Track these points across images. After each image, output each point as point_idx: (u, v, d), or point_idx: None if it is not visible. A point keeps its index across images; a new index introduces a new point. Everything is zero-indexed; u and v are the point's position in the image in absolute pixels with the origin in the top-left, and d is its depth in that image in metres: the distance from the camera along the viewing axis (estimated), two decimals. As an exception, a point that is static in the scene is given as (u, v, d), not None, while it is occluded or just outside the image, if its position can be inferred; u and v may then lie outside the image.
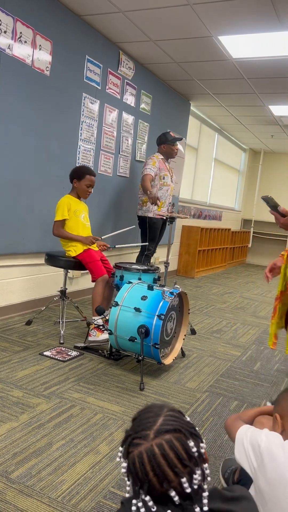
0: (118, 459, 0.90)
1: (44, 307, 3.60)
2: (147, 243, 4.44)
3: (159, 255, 6.15)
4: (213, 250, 7.95)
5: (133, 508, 0.83)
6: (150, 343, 2.63)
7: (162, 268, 6.00)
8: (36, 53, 3.42)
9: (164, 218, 4.53)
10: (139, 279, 3.00)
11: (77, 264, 3.32)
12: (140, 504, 0.83)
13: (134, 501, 0.84)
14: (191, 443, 0.85)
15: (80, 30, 3.87)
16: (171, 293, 2.73)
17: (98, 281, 3.20)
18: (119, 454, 0.90)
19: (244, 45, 4.06)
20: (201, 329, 3.98)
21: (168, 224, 3.61)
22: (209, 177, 8.07)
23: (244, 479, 1.26)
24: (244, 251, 10.19)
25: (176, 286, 2.86)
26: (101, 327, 3.07)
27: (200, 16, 3.56)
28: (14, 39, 3.20)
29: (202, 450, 0.87)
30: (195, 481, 0.83)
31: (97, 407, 2.25)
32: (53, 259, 3.32)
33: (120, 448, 0.90)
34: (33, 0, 3.31)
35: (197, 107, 6.67)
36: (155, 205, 4.11)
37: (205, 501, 0.84)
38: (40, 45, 3.45)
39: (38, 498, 1.54)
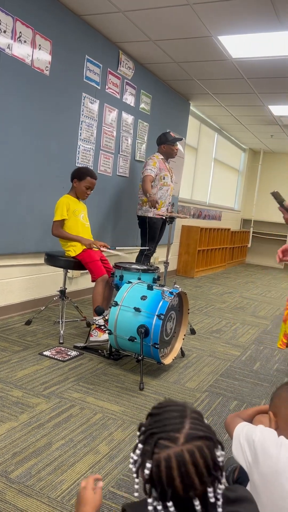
0: (132, 454, 0.86)
1: (44, 307, 3.60)
2: (147, 247, 4.44)
3: (158, 255, 6.16)
4: (213, 250, 7.95)
5: (150, 508, 0.81)
6: (149, 343, 2.63)
7: (161, 268, 6.00)
8: (35, 53, 3.42)
9: (164, 218, 4.53)
10: (139, 279, 3.00)
11: (77, 264, 3.32)
12: (159, 507, 0.80)
13: (150, 501, 0.81)
14: (218, 452, 0.84)
15: (79, 30, 3.87)
16: (171, 293, 2.73)
17: (98, 281, 3.20)
18: (137, 451, 0.85)
19: (243, 45, 4.06)
20: (201, 329, 3.98)
21: (168, 224, 3.61)
22: (208, 177, 8.07)
23: (243, 477, 1.27)
24: (243, 251, 10.19)
25: (175, 286, 2.86)
26: (102, 327, 3.07)
27: (200, 16, 3.56)
28: (13, 38, 3.20)
29: (222, 458, 0.85)
30: (218, 491, 0.82)
31: (96, 407, 2.26)
32: (53, 259, 3.33)
33: (138, 444, 0.86)
34: (32, 0, 3.31)
35: (197, 107, 6.67)
36: (153, 208, 4.12)
37: (219, 509, 0.82)
38: (39, 45, 3.45)
39: (37, 498, 1.54)
